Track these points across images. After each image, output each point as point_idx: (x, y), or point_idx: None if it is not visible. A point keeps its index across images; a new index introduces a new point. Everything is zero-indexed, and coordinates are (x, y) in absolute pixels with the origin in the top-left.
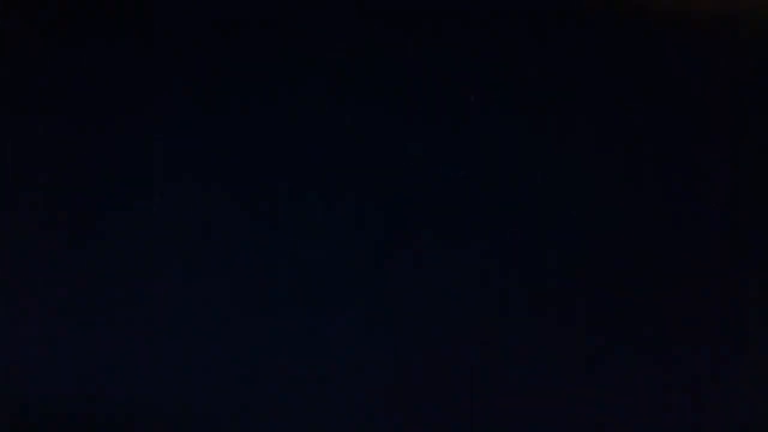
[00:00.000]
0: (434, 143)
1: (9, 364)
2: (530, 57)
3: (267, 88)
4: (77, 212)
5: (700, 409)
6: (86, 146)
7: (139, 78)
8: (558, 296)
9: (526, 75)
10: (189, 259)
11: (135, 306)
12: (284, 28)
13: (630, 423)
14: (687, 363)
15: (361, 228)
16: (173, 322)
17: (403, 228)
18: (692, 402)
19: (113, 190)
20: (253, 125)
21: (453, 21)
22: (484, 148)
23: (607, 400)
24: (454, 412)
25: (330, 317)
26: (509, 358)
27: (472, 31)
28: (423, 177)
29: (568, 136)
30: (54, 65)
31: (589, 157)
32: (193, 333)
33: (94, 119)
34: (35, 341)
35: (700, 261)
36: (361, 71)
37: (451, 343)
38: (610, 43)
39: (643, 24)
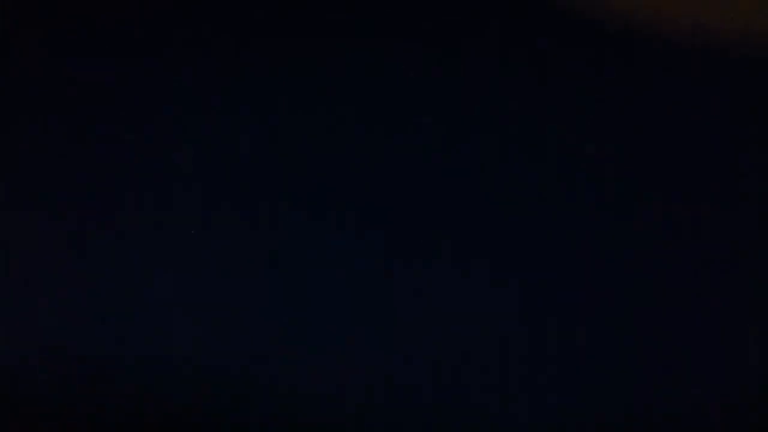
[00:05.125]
0: (436, 150)
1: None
2: (530, 63)
3: (268, 92)
4: (78, 210)
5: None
6: (86, 145)
7: (139, 77)
8: (561, 307)
9: (527, 81)
10: (188, 264)
11: (138, 301)
12: (286, 32)
13: (630, 422)
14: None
15: (362, 237)
16: (170, 327)
17: (405, 237)
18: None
19: (115, 190)
20: (253, 128)
21: (453, 26)
22: (488, 155)
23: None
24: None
25: (329, 321)
26: (510, 360)
27: (474, 38)
28: (425, 183)
29: (571, 147)
30: (54, 64)
31: (592, 167)
32: (189, 335)
33: (94, 118)
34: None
35: (699, 262)
36: (365, 80)
37: (453, 352)
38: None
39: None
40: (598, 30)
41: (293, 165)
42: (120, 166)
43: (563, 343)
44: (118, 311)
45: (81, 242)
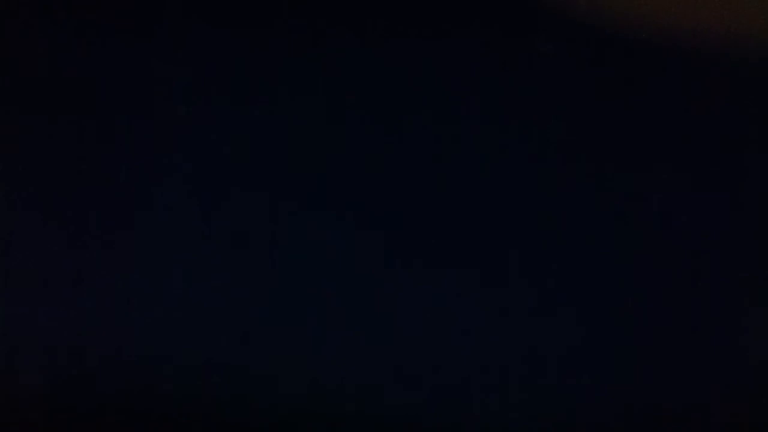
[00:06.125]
0: (435, 149)
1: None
2: (529, 63)
3: (267, 92)
4: (82, 211)
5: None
6: (88, 144)
7: (140, 76)
8: (560, 300)
9: (526, 82)
10: (188, 265)
11: (140, 306)
12: (287, 30)
13: (629, 420)
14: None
15: (362, 236)
16: (172, 327)
17: (406, 237)
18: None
19: (115, 188)
20: (254, 128)
21: (452, 26)
22: (486, 154)
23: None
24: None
25: (329, 322)
26: (510, 360)
27: (472, 38)
28: (425, 183)
29: (570, 147)
30: (55, 64)
31: (591, 165)
32: (189, 335)
33: (96, 117)
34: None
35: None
36: (365, 80)
37: (452, 352)
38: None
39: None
40: (598, 30)
41: (293, 166)
42: (119, 166)
43: (563, 343)
44: (118, 311)
45: (81, 243)
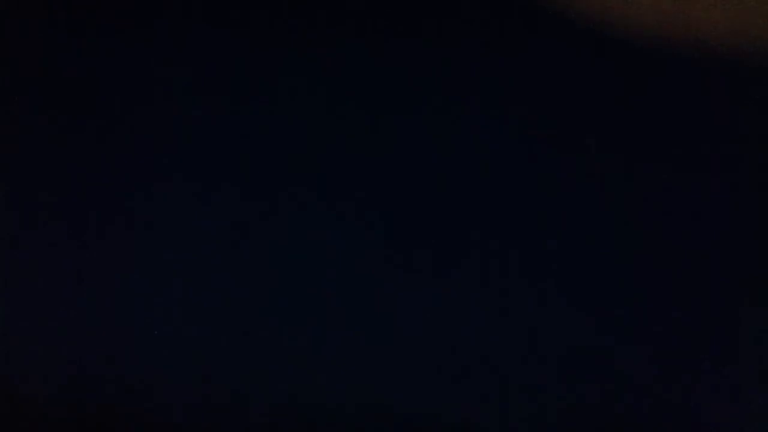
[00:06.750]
0: (433, 145)
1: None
2: (528, 60)
3: (266, 88)
4: (81, 211)
5: (699, 406)
6: (88, 143)
7: (140, 76)
8: (559, 299)
9: (524, 79)
10: (188, 265)
11: (135, 310)
12: (287, 27)
13: (630, 421)
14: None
15: (362, 232)
16: (172, 329)
17: (405, 232)
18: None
19: (115, 187)
20: (253, 125)
21: (452, 24)
22: (485, 150)
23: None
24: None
25: (328, 320)
26: (510, 360)
27: (472, 36)
28: (424, 180)
29: (569, 142)
30: (55, 64)
31: (590, 162)
32: (190, 338)
33: (96, 116)
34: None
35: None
36: (363, 80)
37: (452, 352)
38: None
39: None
40: (598, 30)
41: (293, 165)
42: (119, 166)
43: (563, 343)
44: (118, 311)
45: (81, 243)
